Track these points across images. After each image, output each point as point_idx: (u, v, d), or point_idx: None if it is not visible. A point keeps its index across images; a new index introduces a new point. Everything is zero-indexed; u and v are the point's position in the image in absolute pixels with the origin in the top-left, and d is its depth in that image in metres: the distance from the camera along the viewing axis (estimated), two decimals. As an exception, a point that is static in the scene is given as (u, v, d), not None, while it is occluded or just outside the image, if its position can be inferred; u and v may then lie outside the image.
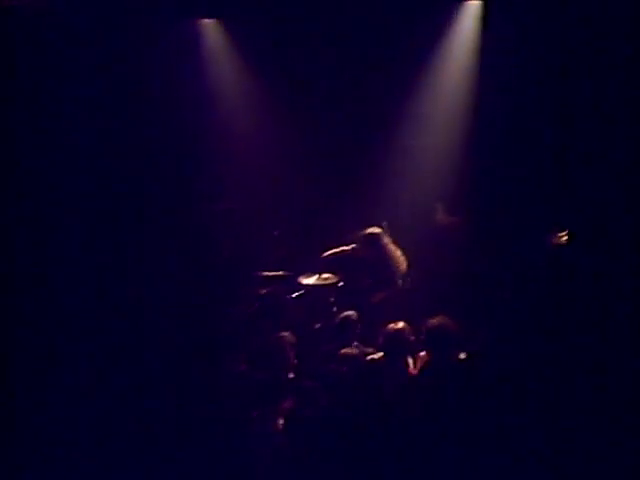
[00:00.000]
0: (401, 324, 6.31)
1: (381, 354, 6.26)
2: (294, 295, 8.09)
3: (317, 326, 7.69)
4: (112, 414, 6.17)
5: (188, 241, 8.70)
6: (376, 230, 8.01)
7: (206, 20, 9.15)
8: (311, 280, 8.07)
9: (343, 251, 8.17)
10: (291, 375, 6.29)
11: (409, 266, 8.11)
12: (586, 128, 6.87)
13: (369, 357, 6.25)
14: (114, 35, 8.21)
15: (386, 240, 7.99)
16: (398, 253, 7.98)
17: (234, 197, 9.27)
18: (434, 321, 6.08)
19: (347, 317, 6.87)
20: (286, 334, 6.43)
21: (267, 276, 8.29)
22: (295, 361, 6.40)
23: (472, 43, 8.74)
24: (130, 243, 8.20)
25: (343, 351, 6.29)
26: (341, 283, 8.18)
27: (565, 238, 7.61)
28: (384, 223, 8.48)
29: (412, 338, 6.26)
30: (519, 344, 6.33)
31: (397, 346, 6.20)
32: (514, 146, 8.40)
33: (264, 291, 8.03)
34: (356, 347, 6.59)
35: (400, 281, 7.95)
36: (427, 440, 5.45)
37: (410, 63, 8.89)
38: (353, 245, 8.15)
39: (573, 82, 7.21)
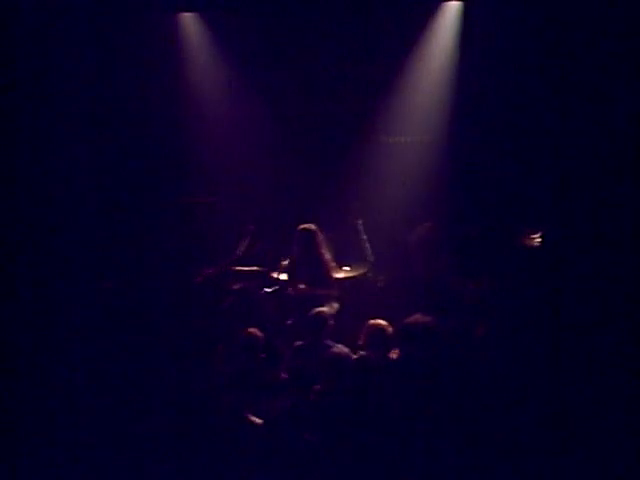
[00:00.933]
0: (382, 321, 6.34)
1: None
2: (268, 290, 8.10)
3: (289, 322, 7.70)
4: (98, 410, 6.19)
5: (170, 233, 8.66)
6: (310, 227, 7.77)
7: (186, 13, 9.10)
8: (285, 275, 8.08)
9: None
10: (262, 370, 6.31)
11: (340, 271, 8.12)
12: (570, 124, 6.92)
13: (356, 355, 6.21)
14: (98, 28, 8.18)
15: (320, 239, 7.78)
16: (328, 256, 7.81)
17: (213, 190, 9.24)
18: (412, 318, 6.12)
19: (320, 313, 6.87)
20: (255, 330, 6.45)
21: (241, 271, 8.27)
22: (264, 356, 6.43)
23: (451, 42, 8.76)
24: (115, 235, 8.16)
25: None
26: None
27: (538, 240, 7.66)
28: (359, 221, 8.51)
29: (392, 335, 6.29)
30: (500, 341, 6.39)
31: (379, 343, 6.24)
32: (493, 144, 8.44)
33: (237, 286, 8.05)
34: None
35: (329, 283, 7.76)
36: (408, 437, 5.47)
37: (390, 60, 8.92)
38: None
39: (554, 79, 7.26)
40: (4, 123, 6.95)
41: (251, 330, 6.43)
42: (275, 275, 8.10)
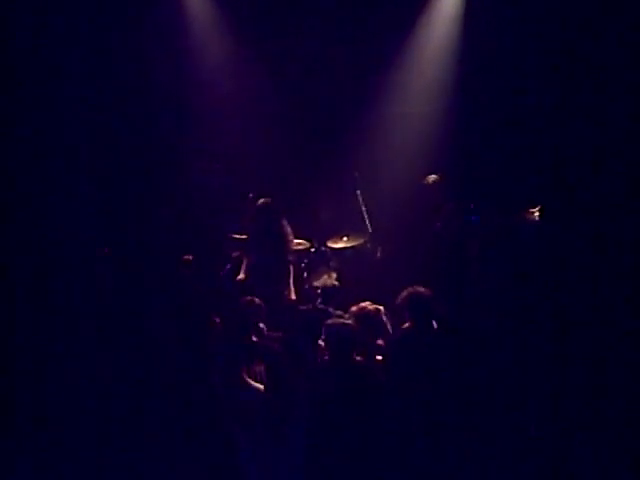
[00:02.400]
0: (369, 305, 6.19)
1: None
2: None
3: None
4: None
5: (173, 203, 8.60)
6: (269, 200, 7.67)
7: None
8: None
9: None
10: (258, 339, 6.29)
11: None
12: (573, 97, 6.92)
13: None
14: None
15: (279, 212, 7.66)
16: (288, 229, 7.71)
17: (217, 158, 9.16)
18: (411, 290, 6.09)
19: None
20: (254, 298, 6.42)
21: (239, 239, 8.24)
22: (263, 325, 6.40)
23: (456, 11, 8.65)
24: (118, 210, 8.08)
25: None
26: (313, 249, 8.21)
27: (537, 214, 7.68)
28: (358, 191, 8.50)
29: (383, 319, 6.24)
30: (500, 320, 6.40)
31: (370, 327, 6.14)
32: (498, 115, 8.39)
33: (236, 254, 8.02)
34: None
35: (289, 256, 7.71)
36: (405, 413, 5.47)
37: (393, 32, 8.82)
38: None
39: (558, 53, 7.25)
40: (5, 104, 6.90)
41: (251, 298, 6.40)
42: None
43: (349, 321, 5.85)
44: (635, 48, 6.45)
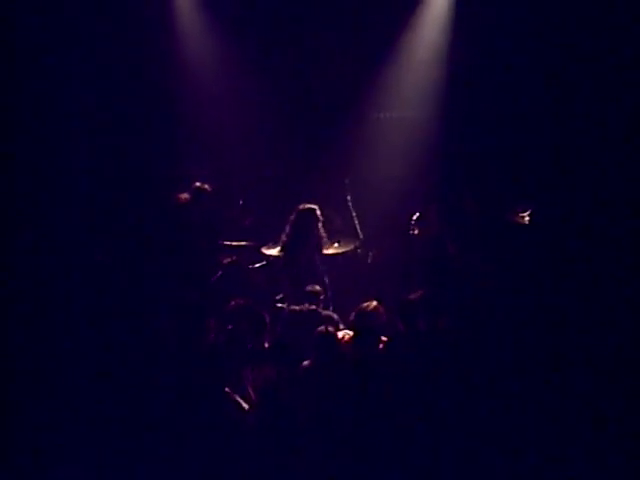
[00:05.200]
0: (374, 303, 6.22)
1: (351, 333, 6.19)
2: (256, 265, 8.09)
3: (279, 296, 7.72)
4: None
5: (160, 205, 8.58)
6: (312, 207, 7.72)
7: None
8: (274, 251, 8.05)
9: None
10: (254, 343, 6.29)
11: None
12: (565, 96, 6.96)
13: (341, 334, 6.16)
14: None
15: (318, 220, 7.74)
16: (323, 236, 7.83)
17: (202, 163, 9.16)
18: (412, 296, 6.11)
19: (313, 289, 6.93)
20: (244, 301, 6.43)
21: (230, 245, 8.24)
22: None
23: (444, 14, 8.72)
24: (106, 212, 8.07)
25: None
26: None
27: (527, 218, 7.70)
28: (348, 197, 8.51)
29: (384, 318, 6.21)
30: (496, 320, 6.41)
31: (368, 325, 6.16)
32: (486, 119, 8.46)
33: (227, 260, 8.03)
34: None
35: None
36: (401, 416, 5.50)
37: (382, 36, 8.88)
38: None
39: (548, 53, 7.30)
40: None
41: (239, 301, 6.40)
42: (264, 250, 8.10)
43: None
44: (623, 44, 6.52)
